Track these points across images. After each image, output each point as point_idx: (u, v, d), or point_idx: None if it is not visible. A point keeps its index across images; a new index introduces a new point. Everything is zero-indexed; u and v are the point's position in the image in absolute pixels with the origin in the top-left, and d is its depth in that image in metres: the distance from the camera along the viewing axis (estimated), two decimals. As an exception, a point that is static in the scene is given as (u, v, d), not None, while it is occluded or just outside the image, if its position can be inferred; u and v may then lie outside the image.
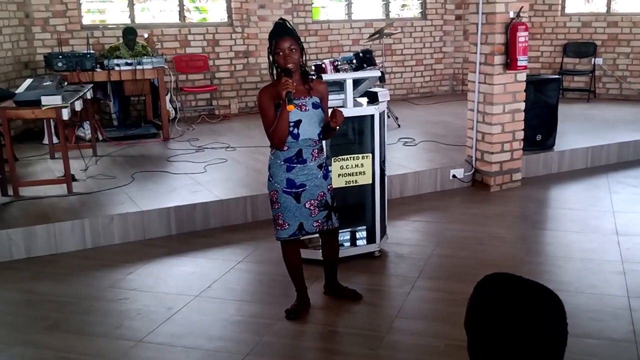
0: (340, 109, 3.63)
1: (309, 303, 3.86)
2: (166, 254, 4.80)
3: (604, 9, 10.42)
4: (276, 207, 3.66)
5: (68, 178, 5.56)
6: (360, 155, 4.44)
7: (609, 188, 6.18)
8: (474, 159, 6.25)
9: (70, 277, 4.45)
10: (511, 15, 5.86)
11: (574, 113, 8.59)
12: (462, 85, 11.27)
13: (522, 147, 6.23)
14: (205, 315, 3.84)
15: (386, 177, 4.70)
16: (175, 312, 3.85)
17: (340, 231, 4.05)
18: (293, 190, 3.61)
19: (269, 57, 3.62)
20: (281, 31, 3.52)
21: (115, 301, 4.05)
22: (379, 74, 4.53)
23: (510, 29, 5.82)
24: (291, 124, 3.51)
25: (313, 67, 8.36)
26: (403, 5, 11.45)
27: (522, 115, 6.14)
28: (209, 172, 6.22)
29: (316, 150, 3.62)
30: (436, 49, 11.06)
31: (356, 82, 4.46)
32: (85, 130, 7.63)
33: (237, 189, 5.65)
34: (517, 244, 4.92)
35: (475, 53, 6.08)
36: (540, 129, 6.67)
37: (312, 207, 3.64)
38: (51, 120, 6.55)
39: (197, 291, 4.13)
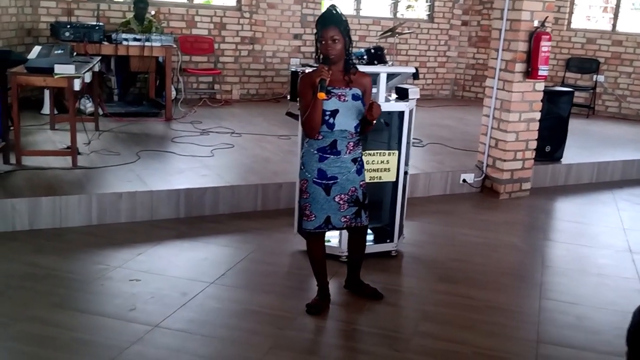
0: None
1: (330, 298, 3.75)
2: (175, 237, 4.65)
3: (608, 27, 10.46)
4: (305, 197, 3.56)
5: (74, 151, 5.37)
6: (387, 152, 4.35)
7: (616, 205, 6.18)
8: (485, 164, 6.19)
9: (76, 254, 4.28)
10: (535, 24, 5.81)
11: (574, 128, 8.50)
12: (462, 91, 11.27)
13: (534, 157, 6.19)
14: (222, 304, 3.71)
15: (408, 177, 4.61)
16: (191, 298, 3.71)
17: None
18: (323, 182, 3.50)
19: (315, 43, 3.51)
20: (326, 20, 3.44)
21: (126, 282, 3.89)
22: (413, 70, 4.43)
23: (534, 37, 5.76)
24: (327, 113, 3.41)
25: (315, 59, 8.25)
26: (408, 6, 11.39)
27: (536, 125, 6.10)
28: (216, 157, 6.07)
29: (352, 143, 3.51)
30: (440, 53, 11.02)
31: (388, 77, 4.36)
32: (86, 104, 7.41)
33: (247, 176, 5.52)
34: (531, 253, 4.87)
35: (495, 59, 6.00)
36: (550, 140, 6.64)
37: (341, 202, 3.54)
38: (51, 90, 6.39)
39: (211, 278, 3.99)
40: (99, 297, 3.71)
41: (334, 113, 3.44)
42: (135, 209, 4.86)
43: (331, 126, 3.44)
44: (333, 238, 4.38)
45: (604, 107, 10.38)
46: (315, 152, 3.49)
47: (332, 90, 3.40)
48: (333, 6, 3.51)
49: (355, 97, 3.48)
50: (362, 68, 3.89)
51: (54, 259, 4.15)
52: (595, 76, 10.25)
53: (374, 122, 3.49)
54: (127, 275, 3.96)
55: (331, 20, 3.43)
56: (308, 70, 7.92)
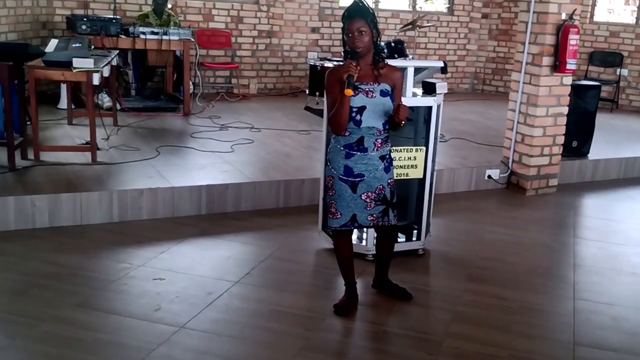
0: (404, 103, 3.41)
1: (358, 298, 3.65)
2: (198, 235, 4.56)
3: (631, 20, 10.26)
4: (330, 194, 3.46)
5: (93, 146, 5.30)
6: (414, 148, 4.24)
7: (645, 201, 6.04)
8: (510, 160, 6.06)
9: (98, 252, 4.20)
10: (563, 16, 5.65)
11: (599, 122, 8.39)
12: (482, 85, 11.10)
13: (561, 152, 6.05)
14: (249, 304, 3.62)
15: (435, 174, 4.49)
16: (216, 297, 3.63)
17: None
18: (350, 179, 3.41)
19: (342, 38, 3.39)
20: (352, 12, 3.33)
21: (150, 281, 3.80)
22: (441, 64, 4.31)
23: (562, 30, 5.61)
24: (354, 110, 3.31)
25: (342, 54, 8.14)
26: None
27: (564, 120, 5.95)
28: (236, 152, 5.98)
29: (380, 140, 3.40)
30: (460, 46, 10.86)
31: (415, 71, 4.23)
32: (103, 98, 7.34)
33: (269, 172, 5.42)
34: (561, 252, 4.74)
35: (522, 52, 5.85)
36: (576, 135, 6.48)
37: (368, 200, 3.43)
38: (68, 84, 6.31)
39: (236, 277, 3.90)
40: (124, 297, 3.62)
41: (361, 110, 3.33)
42: (157, 205, 4.78)
43: (358, 123, 3.33)
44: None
45: (628, 101, 10.18)
46: (342, 148, 3.39)
47: (359, 86, 3.30)
48: (357, 1, 3.39)
49: (383, 93, 3.37)
50: (390, 62, 3.78)
51: (76, 257, 4.08)
52: (618, 70, 10.05)
53: (403, 123, 3.38)
54: (150, 274, 3.88)
55: (357, 12, 3.33)
56: (328, 64, 7.89)
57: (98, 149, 5.46)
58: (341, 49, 9.43)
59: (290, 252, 4.37)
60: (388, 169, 3.48)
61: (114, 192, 4.67)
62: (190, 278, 3.87)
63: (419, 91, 4.39)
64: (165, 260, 4.08)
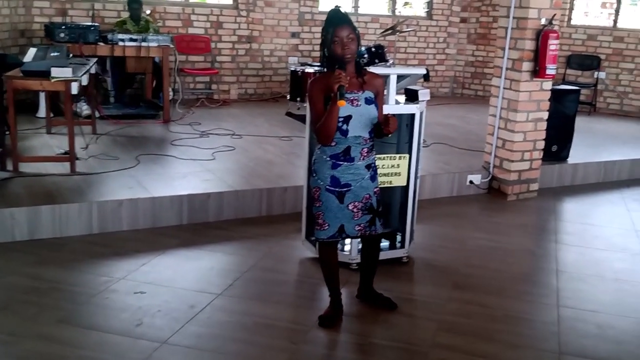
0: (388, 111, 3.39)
1: (342, 309, 3.62)
2: (180, 245, 4.51)
3: (609, 23, 10.37)
4: (317, 205, 3.43)
5: (72, 156, 5.22)
6: (397, 156, 4.23)
7: (625, 205, 6.08)
8: (492, 165, 6.08)
9: (79, 265, 4.13)
10: (543, 22, 5.68)
11: (577, 126, 8.47)
12: (462, 89, 11.15)
13: (541, 157, 6.08)
14: (232, 317, 3.57)
15: (418, 180, 4.48)
16: (199, 311, 3.58)
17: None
18: (337, 189, 3.37)
19: (321, 47, 3.35)
20: (339, 19, 3.29)
21: (131, 295, 3.74)
22: (424, 71, 4.30)
23: (542, 36, 5.64)
24: (340, 119, 3.27)
25: (321, 61, 8.11)
26: (405, 3, 11.24)
27: (544, 125, 5.99)
28: (218, 160, 5.92)
29: (366, 149, 3.38)
30: (439, 50, 10.90)
31: (398, 78, 4.23)
32: (82, 106, 7.25)
33: (251, 180, 5.38)
34: (545, 258, 4.75)
35: (502, 57, 5.87)
36: (556, 140, 6.52)
37: (355, 210, 3.41)
38: (47, 93, 6.21)
39: (219, 289, 3.85)
40: (105, 312, 3.56)
41: (347, 119, 3.30)
42: (137, 216, 4.72)
43: (344, 133, 3.30)
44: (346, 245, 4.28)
45: (606, 104, 10.28)
46: (328, 159, 3.36)
47: (345, 96, 3.25)
48: (338, 6, 3.38)
49: (368, 101, 3.35)
50: (372, 70, 3.76)
51: (56, 271, 4.01)
52: (596, 73, 10.16)
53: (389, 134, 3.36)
54: (132, 288, 3.82)
55: (344, 18, 3.30)
56: (309, 69, 7.87)
57: (77, 158, 5.37)
58: (316, 54, 9.30)
59: (274, 262, 4.33)
60: (374, 177, 3.47)
61: (93, 203, 4.60)
62: (172, 291, 3.81)
63: (402, 98, 4.38)
64: (146, 273, 4.03)
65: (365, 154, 3.39)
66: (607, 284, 4.34)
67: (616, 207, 6.03)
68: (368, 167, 3.42)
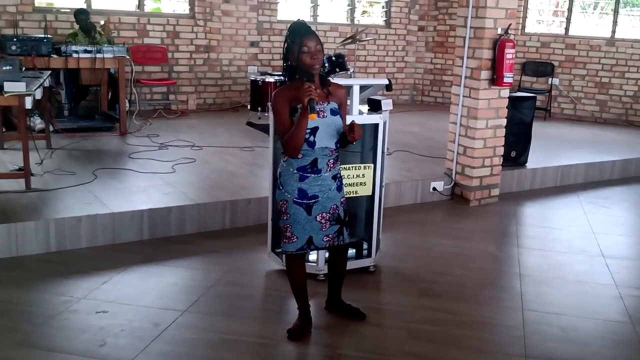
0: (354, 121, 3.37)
1: (311, 321, 3.58)
2: (142, 262, 4.40)
3: (561, 31, 10.60)
4: (285, 218, 3.38)
5: (27, 172, 5.06)
6: (362, 165, 4.22)
7: (582, 208, 6.19)
8: (454, 172, 6.13)
9: (38, 285, 3.99)
10: (499, 31, 5.76)
11: (534, 131, 8.63)
12: (421, 96, 11.26)
13: (501, 163, 6.16)
14: (198, 334, 3.49)
15: (383, 190, 4.48)
16: (164, 329, 3.49)
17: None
18: (304, 201, 3.34)
19: (284, 58, 3.32)
20: (307, 29, 3.27)
21: (93, 314, 3.63)
22: (386, 81, 4.31)
23: (499, 45, 5.72)
24: (307, 131, 3.24)
25: (284, 70, 8.07)
26: (364, 12, 11.32)
27: (503, 131, 6.07)
28: (178, 172, 5.83)
29: (332, 160, 3.37)
30: (398, 58, 10.99)
31: (360, 89, 4.22)
32: (35, 120, 7.06)
33: (213, 193, 5.30)
34: (508, 262, 4.81)
35: (461, 67, 5.94)
36: (515, 145, 6.62)
37: (323, 221, 3.38)
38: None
39: (184, 305, 3.77)
40: (66, 333, 3.44)
41: (314, 131, 3.27)
42: (97, 233, 4.60)
43: (312, 144, 3.28)
44: (311, 255, 4.25)
45: (560, 109, 10.50)
46: (295, 171, 3.32)
47: (314, 108, 3.19)
48: (302, 20, 3.37)
49: (333, 112, 3.33)
50: (335, 81, 3.75)
51: (13, 292, 3.87)
52: (550, 79, 10.37)
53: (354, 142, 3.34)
54: (93, 307, 3.71)
55: (310, 30, 3.28)
56: (270, 78, 7.84)
57: (32, 174, 5.22)
58: (282, 62, 9.42)
59: (239, 276, 4.26)
60: (340, 188, 3.45)
61: (50, 220, 4.46)
62: (135, 309, 3.72)
63: (365, 108, 4.38)
64: (107, 291, 3.92)
65: (332, 165, 3.37)
66: (569, 286, 4.40)
67: (574, 210, 6.14)
68: (334, 177, 3.40)
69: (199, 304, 3.81)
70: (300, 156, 3.29)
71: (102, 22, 8.11)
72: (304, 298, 3.56)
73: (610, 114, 10.24)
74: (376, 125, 4.17)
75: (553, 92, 10.39)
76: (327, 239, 3.42)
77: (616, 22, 10.22)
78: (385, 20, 10.94)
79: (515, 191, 6.59)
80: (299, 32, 3.23)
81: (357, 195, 4.23)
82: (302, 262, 3.54)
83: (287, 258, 3.51)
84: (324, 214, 3.38)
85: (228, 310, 3.78)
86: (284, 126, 3.25)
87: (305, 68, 3.22)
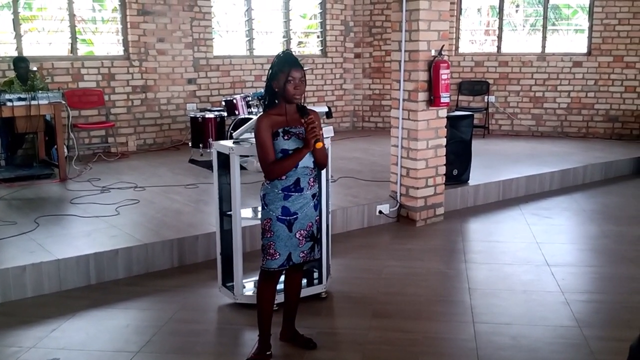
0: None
1: (271, 351, 3.57)
2: (91, 306, 4.31)
3: (493, 49, 10.97)
4: (268, 235, 3.47)
5: (-35, 225, 4.92)
6: (307, 193, 4.24)
7: (525, 220, 6.37)
8: (398, 194, 6.23)
9: (-18, 338, 3.86)
10: (433, 53, 5.93)
11: (474, 149, 8.86)
12: (362, 122, 11.43)
13: (444, 182, 6.29)
14: (153, 374, 3.44)
15: (330, 216, 4.52)
16: (118, 372, 3.43)
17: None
18: (287, 218, 3.46)
19: (268, 84, 3.41)
20: (295, 61, 3.39)
21: (43, 364, 3.54)
22: (326, 109, 4.39)
23: (434, 66, 5.89)
24: (289, 152, 3.37)
25: (223, 103, 8.12)
26: (299, 43, 11.48)
27: (444, 151, 6.21)
28: (122, 215, 5.75)
29: (312, 179, 3.52)
30: (337, 86, 11.16)
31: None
32: (-30, 172, 6.88)
33: (160, 232, 5.24)
34: (458, 278, 4.89)
35: (398, 90, 6.08)
36: (456, 164, 6.78)
37: (301, 237, 3.50)
38: None
39: (137, 346, 3.71)
40: (14, 386, 3.34)
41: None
42: (42, 280, 4.48)
43: (295, 165, 3.39)
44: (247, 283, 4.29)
45: (498, 125, 10.83)
46: (280, 192, 3.44)
47: (290, 130, 3.38)
48: (289, 50, 3.48)
49: None
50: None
51: (-44, 348, 3.73)
52: (486, 97, 10.70)
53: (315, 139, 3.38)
54: (43, 355, 3.61)
55: (298, 62, 3.39)
56: (209, 114, 7.84)
57: (-30, 226, 5.08)
58: (220, 98, 9.44)
59: (191, 313, 4.22)
60: (316, 206, 3.58)
61: (-8, 272, 4.34)
62: (87, 354, 3.63)
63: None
64: (57, 339, 3.81)
65: (312, 183, 3.51)
66: (517, 296, 4.51)
67: (517, 223, 6.31)
68: (313, 196, 3.54)
69: (153, 344, 3.75)
70: (283, 178, 3.41)
71: (35, 69, 7.99)
72: (269, 323, 3.58)
73: (546, 127, 10.62)
74: (318, 152, 4.22)
75: (490, 110, 10.71)
76: (303, 255, 3.54)
77: (545, 37, 10.65)
78: (321, 50, 11.12)
79: (459, 208, 6.73)
80: (287, 62, 3.34)
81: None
82: (275, 284, 3.59)
83: (264, 276, 3.54)
84: (302, 230, 3.50)
85: (183, 348, 3.74)
86: (267, 151, 3.36)
87: (288, 96, 3.34)
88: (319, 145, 3.32)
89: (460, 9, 10.97)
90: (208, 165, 7.24)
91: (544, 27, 10.67)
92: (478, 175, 7.16)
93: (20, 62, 7.70)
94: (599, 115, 10.40)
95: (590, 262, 5.33)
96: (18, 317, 4.12)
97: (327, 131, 4.31)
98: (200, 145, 7.93)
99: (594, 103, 10.41)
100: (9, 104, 6.87)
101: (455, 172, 6.80)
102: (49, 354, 3.62)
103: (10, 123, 7.34)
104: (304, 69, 3.44)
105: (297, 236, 3.48)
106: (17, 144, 7.99)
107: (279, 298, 3.78)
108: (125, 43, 9.17)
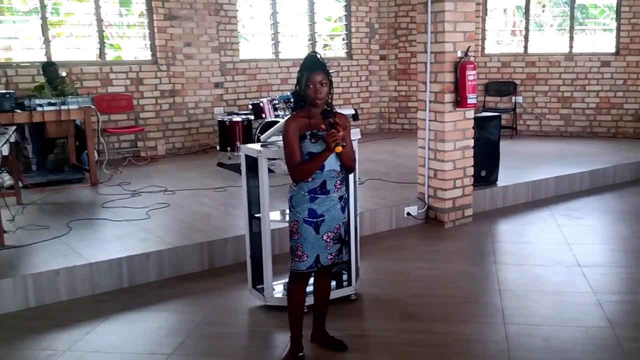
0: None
1: (303, 352, 3.60)
2: (124, 309, 4.37)
3: (520, 50, 10.88)
4: (296, 237, 3.51)
5: (0, 230, 5.01)
6: (335, 195, 4.26)
7: (555, 220, 6.30)
8: (426, 195, 6.21)
9: (19, 342, 3.93)
10: (459, 54, 5.92)
11: (502, 150, 8.80)
12: (388, 124, 11.42)
13: (472, 183, 6.26)
14: (186, 376, 3.48)
15: (358, 218, 4.53)
16: (151, 374, 3.47)
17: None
18: (314, 220, 3.48)
19: (295, 87, 3.47)
20: (315, 65, 3.42)
21: (77, 366, 3.60)
22: (352, 111, 4.40)
23: (460, 68, 5.87)
24: (316, 155, 3.39)
25: (250, 106, 8.18)
26: (325, 46, 11.51)
27: (471, 152, 6.18)
28: (153, 218, 5.82)
29: (339, 182, 3.53)
30: (363, 88, 11.16)
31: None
32: (3, 177, 7.00)
33: (190, 235, 5.29)
34: (487, 279, 4.86)
35: (425, 91, 6.06)
36: (484, 165, 6.74)
37: (328, 240, 3.53)
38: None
39: (170, 349, 3.75)
40: (50, 388, 3.41)
41: None
42: (75, 284, 4.56)
43: (321, 167, 3.43)
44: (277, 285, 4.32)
45: (526, 126, 10.74)
46: (306, 194, 3.47)
47: (317, 133, 3.40)
48: (315, 52, 3.54)
49: None
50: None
51: (-7, 351, 3.81)
52: (513, 98, 10.62)
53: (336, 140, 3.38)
54: (78, 359, 3.67)
55: (318, 64, 3.42)
56: (237, 118, 7.89)
57: (5, 232, 5.16)
58: (247, 101, 9.50)
59: (222, 315, 4.26)
60: (344, 208, 3.59)
61: (27, 276, 4.41)
62: (121, 357, 3.69)
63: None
64: (91, 342, 3.88)
65: (339, 186, 3.53)
66: (548, 297, 4.47)
67: (547, 224, 6.25)
68: (340, 198, 3.55)
69: (185, 346, 3.79)
70: (310, 180, 3.44)
71: (64, 74, 8.12)
72: (299, 326, 3.60)
73: (575, 127, 10.51)
74: (346, 155, 4.23)
75: (517, 110, 10.62)
76: (331, 257, 3.55)
77: (572, 37, 10.54)
78: (346, 52, 11.14)
79: (488, 209, 6.69)
80: (307, 67, 3.39)
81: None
82: (305, 286, 3.61)
83: (294, 278, 3.57)
84: (329, 233, 3.52)
85: (214, 350, 3.77)
86: (293, 153, 3.40)
87: (310, 100, 3.38)
88: (338, 149, 3.29)
89: (486, 10, 10.91)
90: (236, 168, 7.30)
91: (571, 27, 10.55)
92: (506, 176, 7.11)
93: (49, 67, 7.86)
94: (628, 115, 10.26)
95: (622, 262, 5.26)
96: (52, 321, 4.19)
97: (354, 134, 4.32)
98: (228, 148, 7.99)
99: (622, 103, 10.27)
100: (39, 109, 6.98)
101: (483, 173, 6.76)
102: (83, 357, 3.68)
103: (41, 128, 7.46)
104: (330, 71, 3.45)
105: (325, 238, 3.50)
106: (48, 148, 8.13)
107: (309, 300, 3.79)
108: (153, 47, 9.29)
